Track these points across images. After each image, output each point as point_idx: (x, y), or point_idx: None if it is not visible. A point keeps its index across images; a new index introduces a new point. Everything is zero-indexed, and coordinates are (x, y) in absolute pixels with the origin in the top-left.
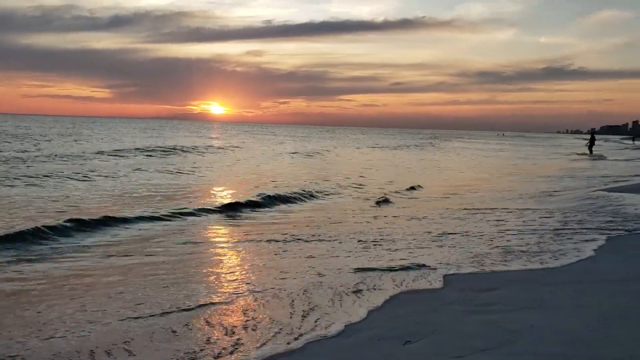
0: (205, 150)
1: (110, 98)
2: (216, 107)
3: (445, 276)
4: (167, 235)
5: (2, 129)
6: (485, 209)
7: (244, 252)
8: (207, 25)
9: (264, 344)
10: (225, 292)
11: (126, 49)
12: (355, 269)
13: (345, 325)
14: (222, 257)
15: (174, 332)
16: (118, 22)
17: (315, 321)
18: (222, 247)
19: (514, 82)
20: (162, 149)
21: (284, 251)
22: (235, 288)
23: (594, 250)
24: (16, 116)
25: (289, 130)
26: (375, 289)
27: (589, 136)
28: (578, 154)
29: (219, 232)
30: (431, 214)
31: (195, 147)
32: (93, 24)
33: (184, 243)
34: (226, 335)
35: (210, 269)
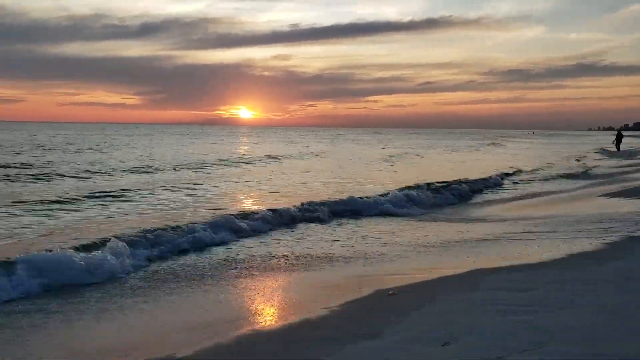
0: (315, 156)
1: (140, 105)
2: (244, 111)
3: (477, 277)
4: None
5: (75, 139)
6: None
7: None
8: (233, 31)
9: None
10: None
11: (155, 56)
12: None
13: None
14: None
15: None
16: (147, 30)
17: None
18: None
19: (544, 79)
20: (282, 155)
21: None
22: None
23: (622, 250)
24: (53, 124)
25: (328, 133)
26: None
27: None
28: (609, 150)
29: None
30: None
31: (301, 152)
32: (122, 32)
33: None
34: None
35: None
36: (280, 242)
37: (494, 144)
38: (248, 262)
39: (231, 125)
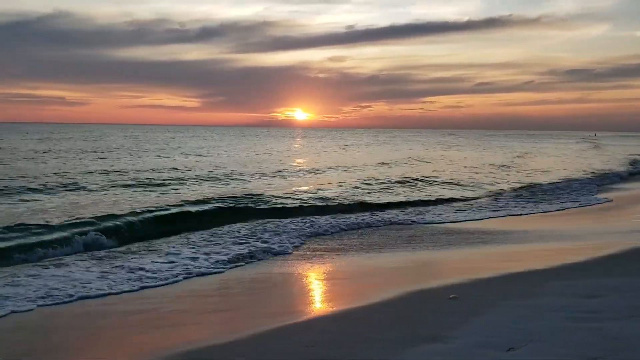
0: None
1: (200, 107)
2: (299, 113)
3: (538, 280)
4: None
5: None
6: None
7: None
8: (290, 34)
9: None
10: None
11: (214, 60)
12: None
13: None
14: None
15: None
16: (206, 33)
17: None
18: None
19: (609, 79)
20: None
21: None
22: None
23: None
24: (118, 126)
25: (391, 135)
26: None
27: None
28: None
29: None
30: None
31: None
32: (183, 36)
33: None
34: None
35: None
36: None
37: (596, 146)
38: None
39: (287, 127)
